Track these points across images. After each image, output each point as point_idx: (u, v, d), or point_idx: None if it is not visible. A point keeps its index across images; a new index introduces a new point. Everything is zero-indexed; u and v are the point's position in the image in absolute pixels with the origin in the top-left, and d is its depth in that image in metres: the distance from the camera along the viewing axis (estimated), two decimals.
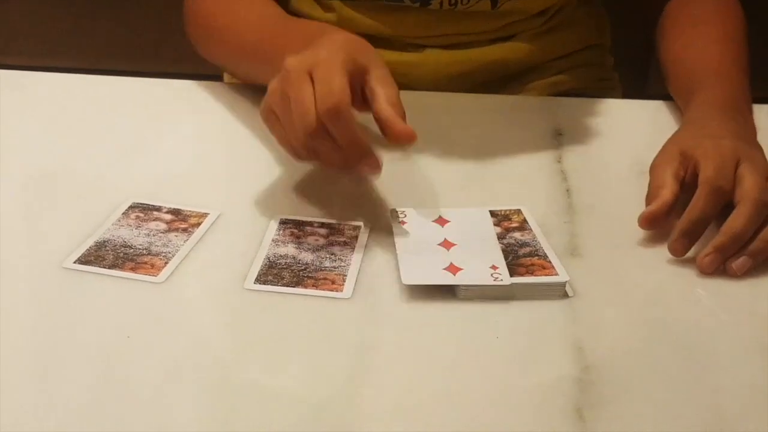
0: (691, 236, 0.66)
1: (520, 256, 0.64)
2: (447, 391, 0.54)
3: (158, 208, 0.70)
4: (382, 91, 0.66)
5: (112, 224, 0.68)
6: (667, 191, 0.69)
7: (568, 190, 0.74)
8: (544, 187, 0.75)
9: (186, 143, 0.81)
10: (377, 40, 0.77)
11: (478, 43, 0.90)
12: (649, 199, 0.70)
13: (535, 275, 0.62)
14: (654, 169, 0.72)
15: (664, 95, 0.89)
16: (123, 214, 0.69)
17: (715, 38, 0.85)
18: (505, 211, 0.70)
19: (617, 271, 0.65)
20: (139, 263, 0.63)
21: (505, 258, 0.64)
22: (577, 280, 0.63)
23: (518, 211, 0.70)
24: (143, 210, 0.69)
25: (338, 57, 0.65)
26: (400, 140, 0.65)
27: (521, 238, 0.67)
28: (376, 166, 0.66)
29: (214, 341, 0.57)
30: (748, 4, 0.88)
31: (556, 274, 0.62)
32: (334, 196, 0.73)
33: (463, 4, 0.87)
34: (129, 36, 1.73)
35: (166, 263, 0.63)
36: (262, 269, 0.63)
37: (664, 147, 0.74)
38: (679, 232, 0.66)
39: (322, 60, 0.64)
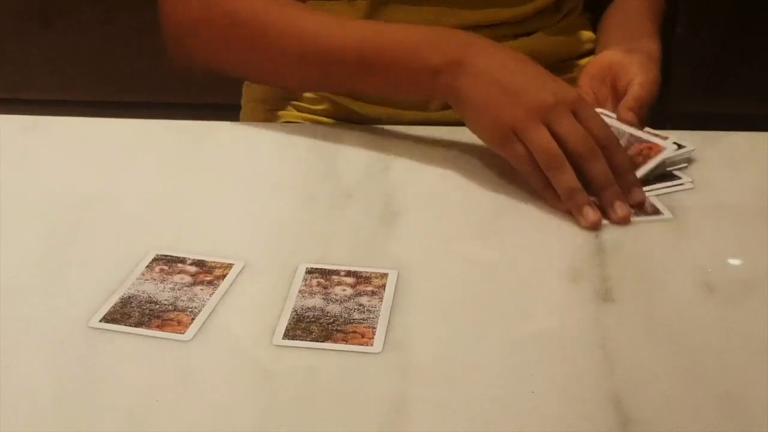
0: None
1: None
2: None
3: (182, 260, 0.69)
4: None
5: (137, 278, 0.67)
6: None
7: (596, 230, 0.73)
8: (572, 227, 0.73)
9: (205, 188, 0.80)
10: None
11: (502, 38, 0.90)
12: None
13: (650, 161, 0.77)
14: None
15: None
16: (147, 267, 0.68)
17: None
18: None
19: (653, 317, 0.63)
20: (165, 320, 0.63)
21: None
22: (611, 328, 0.61)
23: None
24: (167, 262, 0.69)
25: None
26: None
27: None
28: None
29: (245, 402, 0.56)
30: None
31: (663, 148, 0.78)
32: (360, 241, 0.72)
33: None
34: (147, 68, 1.73)
35: (193, 319, 0.63)
36: (290, 323, 0.62)
37: None
38: None
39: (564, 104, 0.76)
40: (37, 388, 0.57)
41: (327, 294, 0.65)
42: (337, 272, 0.68)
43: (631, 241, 0.72)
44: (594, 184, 0.74)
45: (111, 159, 0.85)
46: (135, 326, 0.62)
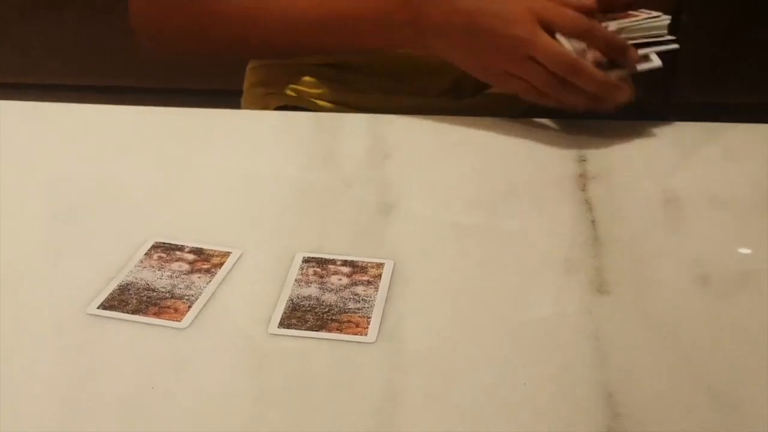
0: None
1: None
2: None
3: (181, 248, 0.69)
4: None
5: (135, 266, 0.67)
6: None
7: (593, 222, 0.73)
8: (569, 218, 0.74)
9: (204, 176, 0.80)
10: None
11: None
12: None
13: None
14: None
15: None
16: (145, 254, 0.69)
17: None
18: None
19: (647, 309, 0.64)
20: (162, 307, 0.63)
21: None
22: (605, 320, 0.62)
23: None
24: (166, 250, 0.69)
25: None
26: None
27: None
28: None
29: (240, 390, 0.57)
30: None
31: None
32: (357, 230, 0.72)
33: None
34: (150, 53, 1.73)
35: (190, 307, 0.63)
36: (285, 312, 0.63)
37: None
38: None
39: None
40: (34, 374, 0.58)
41: (323, 283, 0.66)
42: (333, 261, 0.68)
43: (626, 232, 0.72)
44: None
45: (111, 146, 0.85)
46: (132, 313, 0.63)
